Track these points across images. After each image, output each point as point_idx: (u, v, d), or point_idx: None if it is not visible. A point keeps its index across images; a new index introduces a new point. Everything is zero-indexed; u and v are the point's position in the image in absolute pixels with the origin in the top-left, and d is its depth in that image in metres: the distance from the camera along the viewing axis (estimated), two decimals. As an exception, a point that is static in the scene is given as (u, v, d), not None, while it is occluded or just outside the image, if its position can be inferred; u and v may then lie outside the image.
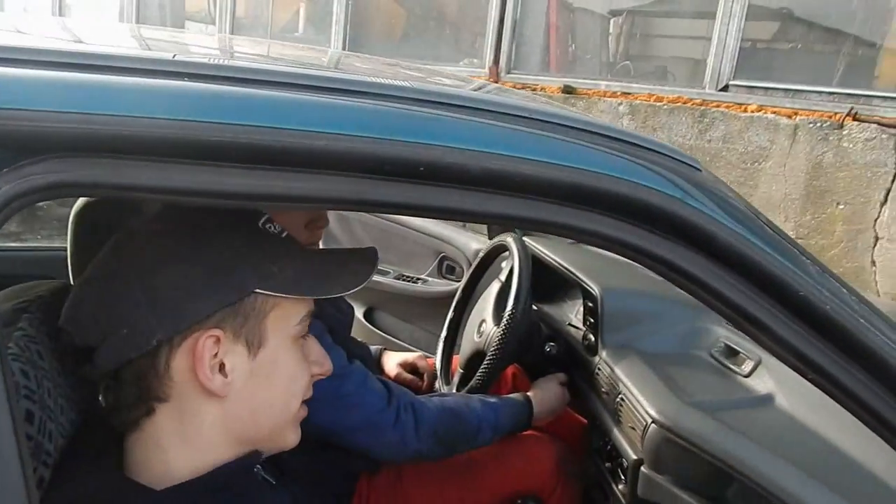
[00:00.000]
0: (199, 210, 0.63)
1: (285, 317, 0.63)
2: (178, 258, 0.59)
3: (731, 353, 1.35)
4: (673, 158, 0.60)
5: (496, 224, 0.69)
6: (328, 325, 1.21)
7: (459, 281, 1.84)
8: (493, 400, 1.34)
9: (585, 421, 1.54)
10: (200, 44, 0.90)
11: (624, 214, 0.56)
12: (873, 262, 2.74)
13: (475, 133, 0.52)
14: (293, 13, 4.55)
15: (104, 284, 0.59)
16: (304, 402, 0.69)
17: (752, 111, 2.85)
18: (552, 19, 3.68)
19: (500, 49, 3.60)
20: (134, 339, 0.57)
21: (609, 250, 0.58)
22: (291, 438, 0.69)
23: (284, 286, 0.62)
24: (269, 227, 0.66)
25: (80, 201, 0.99)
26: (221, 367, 0.60)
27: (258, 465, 0.70)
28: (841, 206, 2.75)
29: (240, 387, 0.61)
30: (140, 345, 0.57)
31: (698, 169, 0.61)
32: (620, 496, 1.28)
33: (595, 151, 0.55)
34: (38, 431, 0.57)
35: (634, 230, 0.56)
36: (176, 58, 0.47)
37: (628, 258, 0.58)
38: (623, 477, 1.27)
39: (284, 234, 0.67)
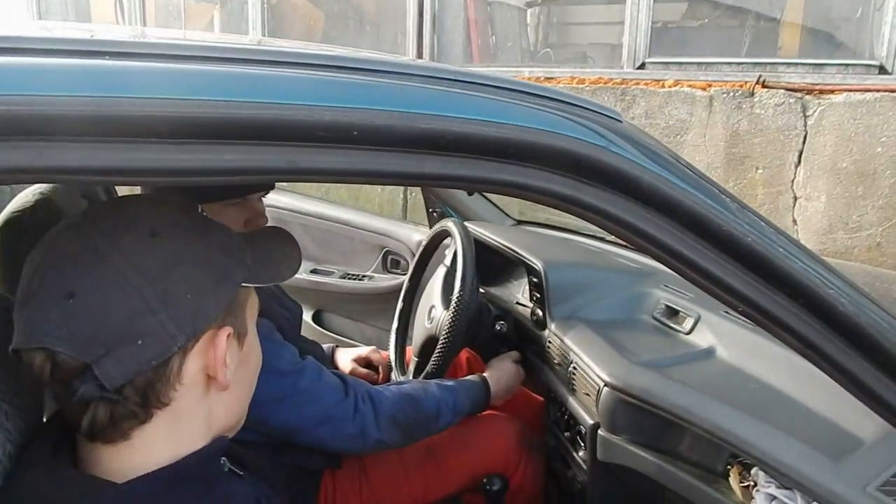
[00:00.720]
0: (175, 207, 0.63)
1: (252, 305, 0.67)
2: (181, 260, 0.58)
3: (672, 313, 1.40)
4: (595, 111, 0.62)
5: (433, 185, 0.70)
6: (276, 323, 1.20)
7: (405, 274, 1.85)
8: (450, 383, 1.36)
9: (541, 398, 1.57)
10: (114, 30, 0.88)
11: (553, 166, 0.58)
12: (794, 221, 2.89)
13: (404, 95, 0.53)
14: (206, 23, 4.45)
15: (101, 295, 0.54)
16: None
17: (670, 86, 2.97)
18: (470, 13, 3.73)
19: (422, 43, 3.63)
20: (152, 349, 0.55)
21: (541, 203, 0.60)
22: (244, 417, 0.72)
23: (256, 276, 0.64)
24: (207, 216, 0.66)
25: (7, 212, 0.95)
26: (225, 360, 0.61)
27: (223, 458, 0.69)
28: (760, 171, 2.90)
29: (231, 378, 0.63)
30: (160, 354, 0.56)
31: (619, 120, 0.64)
32: (581, 463, 1.32)
33: (520, 107, 0.57)
34: None
35: (564, 181, 0.58)
36: (94, 37, 0.47)
37: (561, 209, 0.60)
38: (582, 443, 1.31)
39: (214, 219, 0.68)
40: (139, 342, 0.54)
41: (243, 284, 0.62)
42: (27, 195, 1.03)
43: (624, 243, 1.76)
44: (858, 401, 0.74)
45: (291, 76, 0.51)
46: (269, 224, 1.26)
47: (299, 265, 0.69)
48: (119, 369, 0.54)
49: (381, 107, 0.51)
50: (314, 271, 2.16)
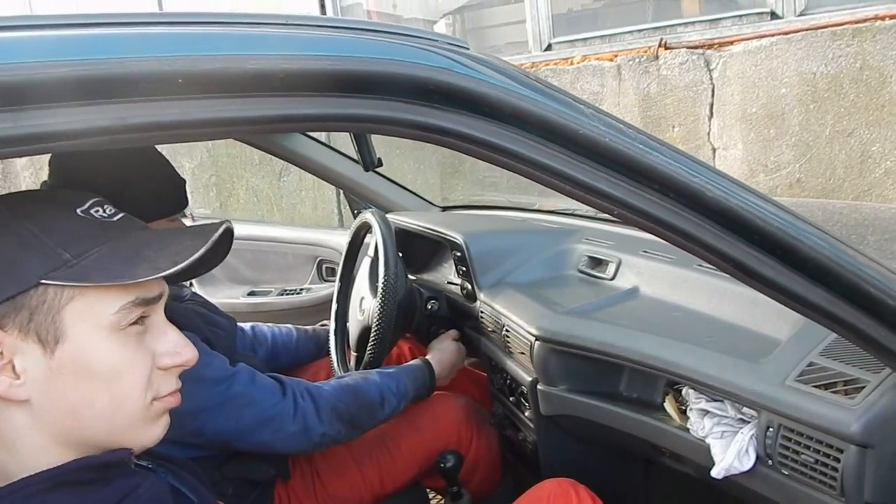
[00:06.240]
0: None
1: (90, 307, 0.57)
2: None
3: (596, 262, 1.42)
4: (438, 40, 0.63)
5: (279, 130, 0.68)
6: (202, 336, 1.17)
7: (341, 279, 1.83)
8: (390, 370, 1.34)
9: (485, 374, 1.58)
10: None
11: (399, 94, 0.58)
12: (718, 172, 2.97)
13: (225, 38, 0.53)
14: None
15: None
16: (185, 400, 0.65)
17: (578, 62, 3.04)
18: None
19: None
20: None
21: (397, 135, 0.60)
22: (148, 436, 0.63)
23: (79, 275, 0.56)
24: (96, 212, 0.61)
25: None
26: (14, 367, 0.55)
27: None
28: (676, 129, 2.98)
29: (42, 388, 0.56)
30: None
31: (466, 47, 0.65)
32: (528, 422, 1.32)
33: (355, 40, 0.58)
34: None
35: (414, 108, 0.58)
36: None
37: (419, 139, 0.61)
38: (526, 403, 1.31)
39: (117, 218, 0.62)
40: None
41: (44, 282, 0.55)
42: None
43: (547, 209, 1.79)
44: (759, 292, 0.75)
45: (102, 34, 0.50)
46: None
47: (177, 265, 0.58)
48: None
49: (203, 52, 0.51)
50: (251, 293, 2.12)
